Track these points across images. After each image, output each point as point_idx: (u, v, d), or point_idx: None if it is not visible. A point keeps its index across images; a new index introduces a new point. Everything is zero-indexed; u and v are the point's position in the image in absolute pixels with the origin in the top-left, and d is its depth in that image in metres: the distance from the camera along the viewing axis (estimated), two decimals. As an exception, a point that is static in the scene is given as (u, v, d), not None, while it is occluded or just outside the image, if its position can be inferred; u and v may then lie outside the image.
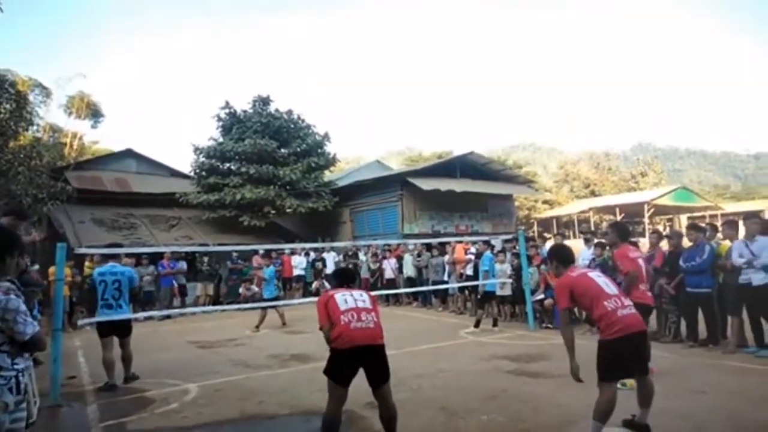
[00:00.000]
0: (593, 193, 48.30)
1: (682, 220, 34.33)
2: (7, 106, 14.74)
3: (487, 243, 12.04)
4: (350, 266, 16.25)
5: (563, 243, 6.19)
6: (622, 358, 3.81)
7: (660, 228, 31.34)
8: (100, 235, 16.94)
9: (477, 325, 10.24)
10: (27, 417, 3.21)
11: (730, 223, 7.70)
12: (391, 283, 14.83)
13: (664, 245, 8.99)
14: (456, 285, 12.92)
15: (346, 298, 4.14)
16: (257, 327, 11.12)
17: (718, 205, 36.30)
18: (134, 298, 7.95)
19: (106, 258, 7.55)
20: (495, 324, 10.36)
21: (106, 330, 6.85)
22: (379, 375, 4.02)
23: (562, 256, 4.39)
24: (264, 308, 11.46)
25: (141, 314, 13.00)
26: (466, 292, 13.00)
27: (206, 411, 5.48)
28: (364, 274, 15.83)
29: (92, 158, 25.18)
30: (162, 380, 6.97)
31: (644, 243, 12.40)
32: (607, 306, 3.87)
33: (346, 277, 4.77)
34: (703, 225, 8.72)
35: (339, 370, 3.92)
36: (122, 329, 6.98)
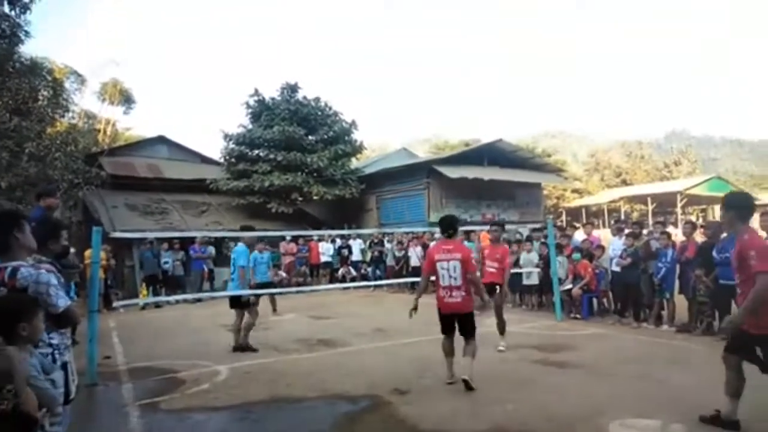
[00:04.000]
0: (624, 183, 47.31)
1: (716, 211, 33.41)
2: (45, 93, 15.17)
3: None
4: (376, 254, 16.36)
5: None
6: None
7: (693, 218, 30.59)
8: (133, 219, 17.37)
9: None
10: (67, 394, 3.36)
11: (769, 214, 7.42)
12: (417, 271, 14.83)
13: (697, 236, 8.79)
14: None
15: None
16: (275, 310, 11.39)
17: (754, 196, 35.18)
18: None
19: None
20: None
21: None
22: None
23: None
24: (268, 294, 10.56)
25: (173, 297, 13.39)
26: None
27: (236, 392, 5.62)
28: (390, 261, 15.88)
29: (125, 144, 25.69)
30: (194, 361, 7.15)
31: (676, 233, 12.13)
32: None
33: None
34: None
35: None
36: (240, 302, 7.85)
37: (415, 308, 5.50)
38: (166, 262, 14.66)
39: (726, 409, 4.06)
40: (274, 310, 11.40)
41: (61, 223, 3.94)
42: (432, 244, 16.46)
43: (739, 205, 4.15)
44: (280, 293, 12.37)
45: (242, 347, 7.68)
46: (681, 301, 8.56)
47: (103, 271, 12.38)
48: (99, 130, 30.20)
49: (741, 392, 4.00)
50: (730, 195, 4.48)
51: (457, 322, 5.58)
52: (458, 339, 5.66)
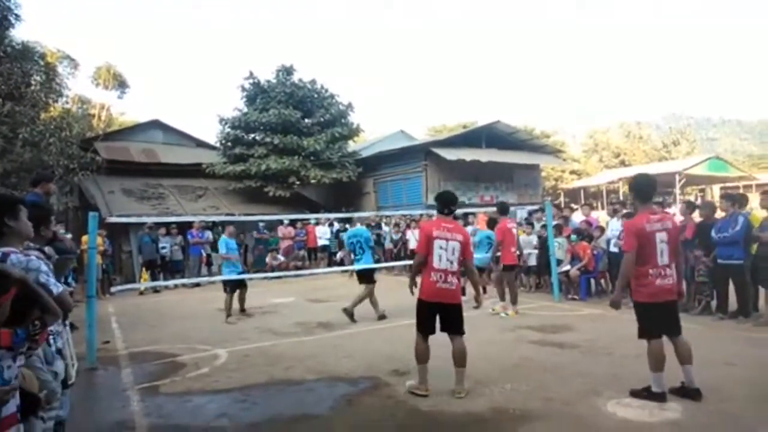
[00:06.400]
0: (623, 163, 47.20)
1: (715, 191, 33.44)
2: (38, 78, 15.00)
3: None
4: (373, 237, 16.34)
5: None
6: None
7: (692, 198, 30.60)
8: (129, 204, 17.31)
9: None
10: (66, 378, 3.36)
11: (769, 193, 7.40)
12: (415, 254, 14.86)
13: (696, 216, 8.78)
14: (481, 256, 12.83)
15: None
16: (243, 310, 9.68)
17: (752, 176, 35.16)
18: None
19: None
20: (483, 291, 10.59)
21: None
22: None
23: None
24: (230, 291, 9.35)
25: (171, 282, 13.39)
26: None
27: (236, 376, 5.64)
28: (388, 244, 15.88)
29: (120, 129, 25.50)
30: (193, 345, 7.18)
31: (675, 213, 12.12)
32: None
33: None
34: (736, 195, 8.44)
35: None
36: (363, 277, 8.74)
37: (415, 285, 5.08)
38: (163, 247, 14.64)
39: (653, 383, 4.31)
40: (242, 309, 9.72)
41: (51, 208, 3.90)
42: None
43: (638, 188, 4.50)
44: (278, 277, 12.38)
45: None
46: (678, 281, 8.58)
47: (100, 257, 12.38)
48: (93, 115, 29.95)
49: (663, 366, 4.29)
50: (636, 176, 4.72)
51: (441, 315, 4.81)
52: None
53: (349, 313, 8.36)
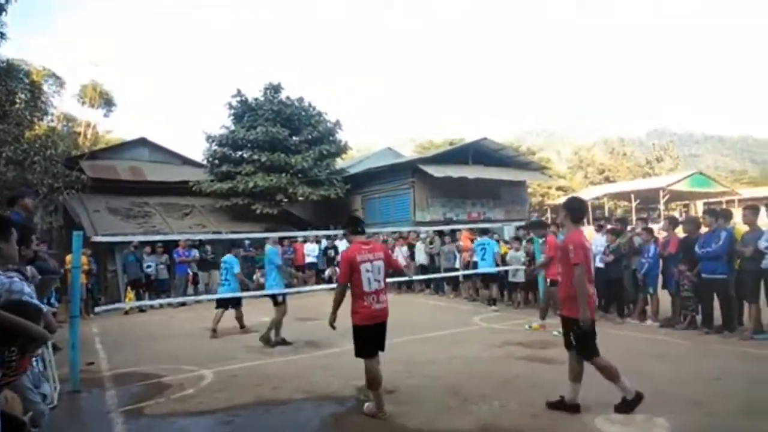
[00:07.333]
0: (608, 179, 47.83)
1: (699, 206, 33.91)
2: (22, 96, 14.89)
3: (485, 231, 12.58)
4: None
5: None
6: None
7: (675, 214, 30.99)
8: (115, 223, 17.13)
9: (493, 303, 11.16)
10: (48, 401, 3.29)
11: (752, 209, 7.53)
12: (402, 271, 14.83)
13: (679, 231, 8.89)
14: (466, 272, 12.87)
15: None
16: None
17: (735, 191, 35.75)
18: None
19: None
20: (493, 303, 11.17)
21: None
22: None
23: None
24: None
25: (157, 301, 13.22)
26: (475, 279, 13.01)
27: (221, 396, 5.56)
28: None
29: (106, 147, 25.33)
30: (178, 366, 7.07)
31: (659, 229, 12.27)
32: None
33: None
34: (720, 210, 8.57)
35: None
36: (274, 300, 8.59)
37: (335, 320, 4.86)
38: (149, 266, 14.49)
39: (569, 394, 4.53)
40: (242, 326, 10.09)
41: (32, 228, 3.87)
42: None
43: (571, 208, 4.77)
44: (265, 296, 12.24)
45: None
46: (664, 297, 8.66)
47: (85, 277, 12.20)
48: (79, 133, 29.78)
49: (581, 378, 4.51)
50: (569, 199, 5.10)
51: (378, 332, 4.83)
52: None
53: (266, 339, 8.23)
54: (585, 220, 5.07)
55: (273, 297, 8.50)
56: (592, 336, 4.43)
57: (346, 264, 4.78)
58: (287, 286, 10.38)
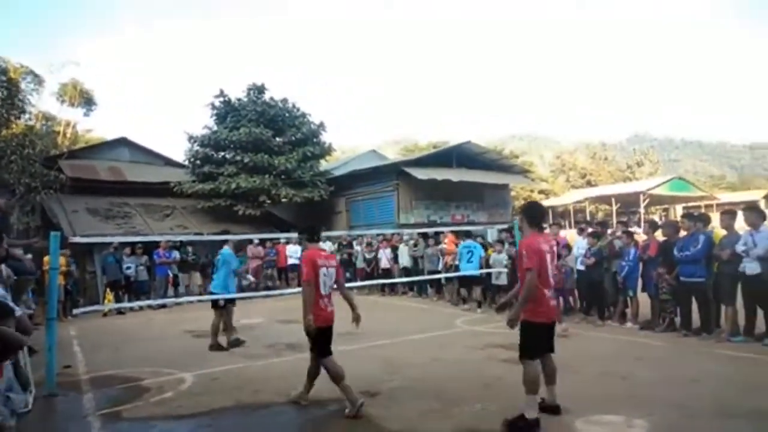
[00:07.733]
0: (589, 183, 48.41)
1: (678, 210, 34.46)
2: (-1, 93, 14.61)
3: (468, 234, 12.71)
4: (345, 256, 16.25)
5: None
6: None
7: (655, 218, 31.44)
8: (94, 224, 16.87)
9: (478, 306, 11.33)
10: (23, 405, 3.22)
11: (729, 213, 7.65)
12: (387, 273, 14.84)
13: (659, 235, 9.01)
14: (449, 275, 12.91)
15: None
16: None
17: (713, 195, 36.44)
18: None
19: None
20: (479, 306, 11.35)
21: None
22: None
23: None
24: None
25: (136, 303, 13.03)
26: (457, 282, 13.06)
27: (202, 400, 5.49)
28: (360, 264, 15.82)
29: (86, 147, 24.97)
30: (158, 369, 6.96)
31: (640, 232, 12.43)
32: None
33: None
34: (698, 214, 8.71)
35: None
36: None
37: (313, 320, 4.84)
38: (128, 268, 14.27)
39: (547, 396, 4.56)
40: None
41: (8, 226, 3.78)
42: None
43: (528, 213, 4.77)
44: (247, 297, 12.17)
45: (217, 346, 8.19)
46: (644, 299, 8.76)
47: (63, 278, 11.97)
48: (58, 133, 29.16)
49: (554, 380, 4.58)
50: (527, 204, 5.19)
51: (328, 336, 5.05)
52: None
53: (214, 346, 8.14)
54: (544, 224, 4.98)
55: (215, 301, 8.38)
56: (530, 337, 4.42)
57: (309, 264, 4.94)
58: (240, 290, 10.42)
